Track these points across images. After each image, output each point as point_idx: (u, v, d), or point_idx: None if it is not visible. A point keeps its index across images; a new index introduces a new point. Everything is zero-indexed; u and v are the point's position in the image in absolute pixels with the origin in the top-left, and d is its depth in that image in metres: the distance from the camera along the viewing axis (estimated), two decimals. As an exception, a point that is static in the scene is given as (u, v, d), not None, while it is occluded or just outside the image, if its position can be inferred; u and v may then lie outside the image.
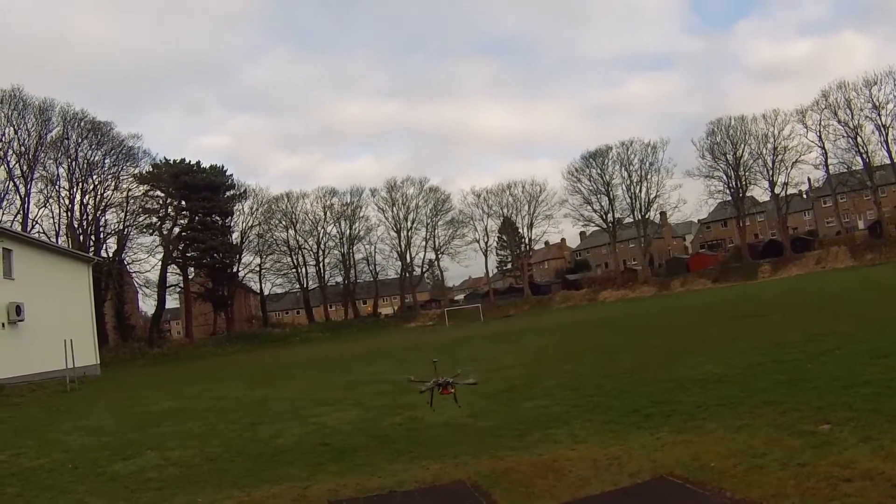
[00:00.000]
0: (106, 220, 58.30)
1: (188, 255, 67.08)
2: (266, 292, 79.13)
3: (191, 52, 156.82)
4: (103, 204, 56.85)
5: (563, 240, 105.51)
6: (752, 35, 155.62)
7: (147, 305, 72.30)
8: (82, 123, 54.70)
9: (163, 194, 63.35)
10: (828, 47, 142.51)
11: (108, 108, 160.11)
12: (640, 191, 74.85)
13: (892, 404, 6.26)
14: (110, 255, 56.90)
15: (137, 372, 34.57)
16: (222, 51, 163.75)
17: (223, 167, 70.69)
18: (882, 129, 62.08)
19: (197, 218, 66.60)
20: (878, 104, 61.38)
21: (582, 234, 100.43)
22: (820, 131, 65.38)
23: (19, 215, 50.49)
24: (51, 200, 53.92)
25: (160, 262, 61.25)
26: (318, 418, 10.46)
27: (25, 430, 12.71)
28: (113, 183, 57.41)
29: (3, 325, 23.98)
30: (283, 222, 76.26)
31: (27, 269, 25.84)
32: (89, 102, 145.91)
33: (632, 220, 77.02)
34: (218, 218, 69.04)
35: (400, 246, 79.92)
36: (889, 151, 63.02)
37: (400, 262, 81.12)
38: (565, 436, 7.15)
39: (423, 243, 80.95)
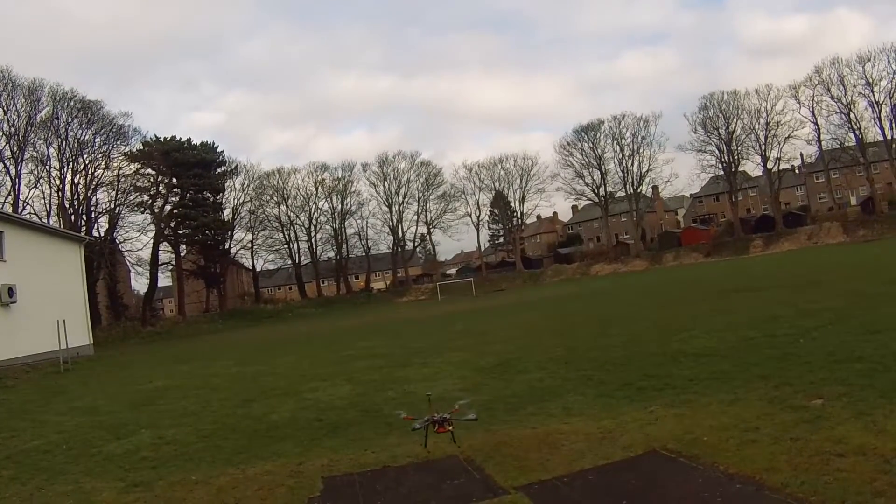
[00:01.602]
0: (97, 200, 57.59)
1: (180, 232, 66.61)
2: (258, 269, 78.96)
3: (182, 28, 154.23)
4: (94, 183, 56.13)
5: (555, 213, 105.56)
6: (747, 9, 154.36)
7: (139, 284, 71.81)
8: (72, 103, 53.87)
9: (154, 172, 62.60)
10: (823, 24, 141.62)
11: (98, 87, 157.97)
12: (632, 165, 74.71)
13: (885, 380, 6.29)
14: (102, 234, 56.38)
15: (131, 351, 34.54)
16: (215, 26, 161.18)
17: (214, 144, 70.15)
18: (875, 105, 61.74)
19: (188, 195, 66.09)
20: (871, 81, 60.90)
21: (574, 207, 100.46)
22: (813, 107, 65.00)
23: (10, 197, 49.85)
24: (41, 181, 53.24)
25: (152, 241, 60.69)
26: (311, 394, 10.50)
27: (20, 412, 12.70)
28: (104, 162, 56.65)
29: (-5, 307, 23.81)
30: (275, 198, 75.75)
31: (19, 251, 25.54)
32: (79, 81, 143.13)
33: (624, 193, 76.95)
34: (209, 195, 68.51)
35: (392, 220, 79.69)
36: (882, 128, 62.77)
37: (392, 237, 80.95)
38: (558, 409, 7.19)
39: (415, 217, 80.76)
